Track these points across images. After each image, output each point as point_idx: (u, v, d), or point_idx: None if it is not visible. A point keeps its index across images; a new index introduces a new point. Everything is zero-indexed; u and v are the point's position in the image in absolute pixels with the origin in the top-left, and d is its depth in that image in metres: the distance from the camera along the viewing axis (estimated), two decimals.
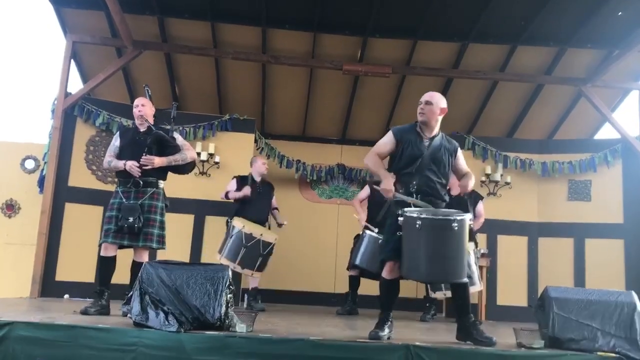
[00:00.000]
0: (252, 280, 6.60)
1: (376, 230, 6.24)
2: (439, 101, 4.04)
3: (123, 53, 7.49)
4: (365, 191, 6.79)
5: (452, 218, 3.60)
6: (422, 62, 7.83)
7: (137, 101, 4.98)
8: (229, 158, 7.70)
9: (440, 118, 4.05)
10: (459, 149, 4.14)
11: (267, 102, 8.72)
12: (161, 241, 4.78)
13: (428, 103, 4.01)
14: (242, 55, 7.61)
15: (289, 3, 6.98)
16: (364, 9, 6.94)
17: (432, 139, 4.02)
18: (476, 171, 7.71)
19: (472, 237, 6.39)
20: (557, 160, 7.92)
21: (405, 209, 3.70)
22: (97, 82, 7.31)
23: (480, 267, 6.50)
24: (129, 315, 3.82)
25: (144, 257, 4.70)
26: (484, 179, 7.98)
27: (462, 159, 4.17)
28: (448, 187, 6.68)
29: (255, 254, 6.19)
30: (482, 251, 6.67)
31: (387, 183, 3.83)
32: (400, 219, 3.67)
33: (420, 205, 3.78)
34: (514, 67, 7.90)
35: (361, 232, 6.48)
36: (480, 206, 6.71)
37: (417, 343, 3.50)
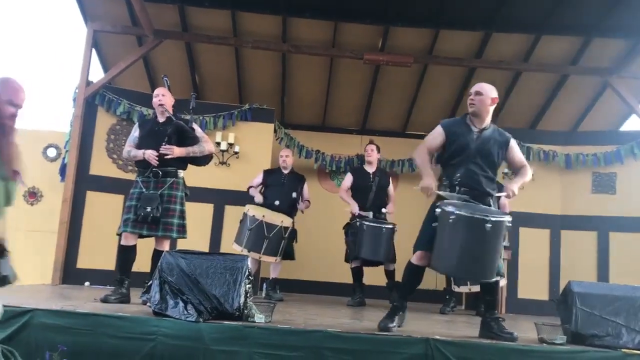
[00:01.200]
0: (273, 269, 6.61)
1: (370, 215, 6.16)
2: (490, 91, 3.95)
3: (144, 42, 7.50)
4: (349, 178, 6.64)
5: (487, 218, 3.47)
6: (444, 52, 7.72)
7: (157, 91, 4.98)
8: (249, 148, 7.69)
9: (491, 109, 3.95)
10: (511, 140, 4.01)
11: (286, 91, 8.69)
12: (182, 230, 4.78)
13: (478, 93, 3.92)
14: (262, 44, 7.58)
15: None
16: None
17: (482, 130, 3.92)
18: None
19: None
20: (581, 152, 7.77)
21: (444, 202, 3.63)
22: (118, 70, 7.33)
23: (503, 260, 6.41)
24: (148, 304, 3.83)
25: (165, 247, 4.73)
26: (506, 170, 7.85)
27: (516, 152, 4.03)
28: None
29: (260, 236, 6.10)
30: (504, 244, 6.58)
31: (427, 181, 3.76)
32: (437, 210, 3.61)
33: (459, 200, 3.69)
34: (538, 57, 7.76)
35: (353, 222, 6.30)
36: (503, 199, 6.61)
37: (437, 337, 3.47)
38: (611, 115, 8.63)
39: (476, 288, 5.93)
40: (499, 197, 4.05)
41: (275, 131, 8.14)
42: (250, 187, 6.76)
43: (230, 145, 7.63)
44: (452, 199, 3.70)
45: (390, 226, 6.15)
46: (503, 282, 6.21)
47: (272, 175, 6.83)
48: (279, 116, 8.60)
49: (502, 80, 8.28)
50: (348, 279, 6.62)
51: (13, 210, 2.74)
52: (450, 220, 3.48)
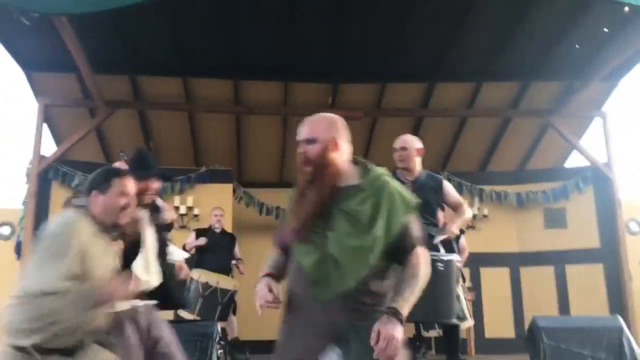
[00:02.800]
0: (229, 330, 6.48)
1: None
2: (414, 143, 4.08)
3: (96, 113, 7.51)
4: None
5: (437, 259, 3.60)
6: (393, 104, 8.02)
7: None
8: (208, 210, 7.66)
9: (419, 160, 4.09)
10: (444, 182, 4.13)
11: (242, 151, 8.78)
12: None
13: (404, 149, 4.04)
14: (215, 108, 7.70)
15: (258, 54, 7.12)
16: (333, 57, 7.11)
17: (414, 181, 4.03)
18: None
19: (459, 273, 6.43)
20: (531, 190, 8.08)
21: None
22: (70, 143, 7.30)
23: (467, 301, 6.52)
24: None
25: None
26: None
27: (451, 192, 4.13)
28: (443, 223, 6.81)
29: (214, 302, 6.02)
30: (467, 285, 6.72)
31: None
32: None
33: None
34: (482, 102, 8.14)
35: None
36: (462, 240, 6.76)
37: None
38: (555, 153, 9.04)
39: None
40: (444, 240, 4.12)
41: (234, 191, 8.17)
42: (184, 245, 6.57)
43: (190, 208, 7.61)
44: None
45: None
46: (470, 324, 6.29)
47: (205, 236, 6.60)
48: (236, 176, 8.66)
49: (449, 127, 8.62)
50: None
51: None
52: None
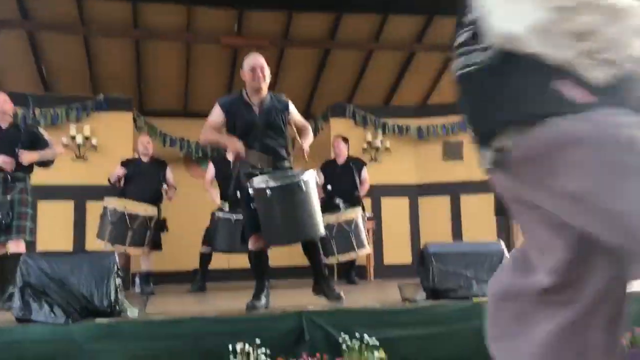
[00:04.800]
0: (143, 262, 6.42)
1: (227, 208, 6.19)
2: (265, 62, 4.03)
3: None
4: (211, 169, 6.58)
5: (298, 180, 3.64)
6: (299, 35, 7.91)
7: None
8: (107, 139, 7.38)
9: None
10: (290, 103, 4.10)
11: (143, 79, 8.42)
12: (32, 233, 4.85)
13: (264, 68, 3.95)
14: (112, 32, 7.28)
15: None
16: None
17: (262, 103, 3.97)
18: (358, 138, 8.02)
19: (359, 203, 6.65)
20: (432, 124, 8.37)
21: (253, 180, 3.71)
22: None
23: (367, 230, 6.79)
24: (11, 311, 3.63)
25: (22, 250, 4.55)
26: (365, 146, 8.26)
27: (296, 114, 4.14)
28: (334, 157, 6.93)
29: (123, 228, 5.88)
30: (368, 215, 6.97)
31: (232, 143, 3.82)
32: (251, 191, 3.68)
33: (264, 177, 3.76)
34: (388, 36, 8.20)
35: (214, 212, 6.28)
36: (364, 172, 6.96)
37: (310, 308, 3.65)
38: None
39: (344, 257, 6.24)
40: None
41: (134, 120, 7.87)
42: (116, 180, 6.43)
43: (87, 138, 7.27)
44: (260, 181, 3.72)
45: None
46: (368, 251, 6.58)
47: (130, 166, 6.48)
48: (137, 104, 8.32)
49: (355, 59, 8.67)
50: (219, 265, 6.65)
51: None
52: (266, 195, 3.59)
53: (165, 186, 6.44)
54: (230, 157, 3.96)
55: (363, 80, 8.98)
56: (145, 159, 6.54)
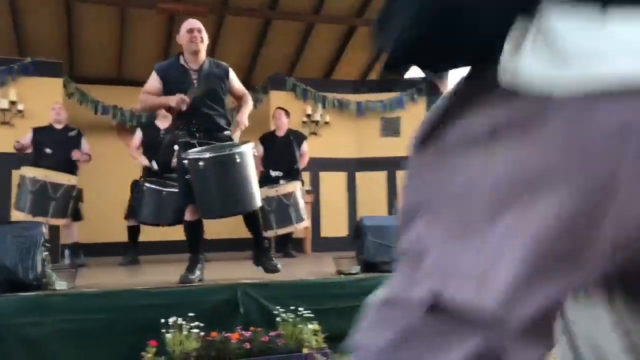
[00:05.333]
0: (68, 234, 6.21)
1: (155, 166, 6.00)
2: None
3: None
4: (138, 135, 6.35)
5: (233, 152, 3.58)
6: (240, 3, 7.74)
7: None
8: (35, 105, 7.02)
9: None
10: (230, 70, 4.00)
11: (74, 44, 8.05)
12: None
13: (200, 30, 3.84)
14: None
15: None
16: None
17: (200, 69, 3.86)
18: (298, 112, 7.98)
19: (298, 176, 6.65)
20: (370, 99, 8.43)
21: (188, 152, 3.64)
22: None
23: (306, 203, 6.81)
24: None
25: None
26: (305, 119, 8.24)
27: (236, 81, 4.04)
28: (274, 129, 6.88)
29: (45, 198, 5.61)
30: (306, 188, 6.99)
31: (171, 99, 3.66)
32: (185, 161, 3.62)
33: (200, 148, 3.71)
34: (329, 8, 8.14)
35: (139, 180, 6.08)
36: (304, 146, 6.96)
37: (244, 280, 3.64)
38: None
39: (283, 230, 6.25)
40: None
41: (64, 86, 7.52)
42: (20, 147, 6.08)
43: (13, 103, 6.91)
44: (195, 152, 3.67)
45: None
46: (306, 224, 6.61)
47: (42, 133, 6.15)
48: (68, 70, 7.95)
49: (296, 32, 8.58)
50: (153, 237, 6.53)
51: None
52: (200, 167, 3.51)
53: (77, 154, 6.15)
54: (160, 124, 3.81)
55: (304, 53, 8.91)
56: (58, 126, 6.25)
